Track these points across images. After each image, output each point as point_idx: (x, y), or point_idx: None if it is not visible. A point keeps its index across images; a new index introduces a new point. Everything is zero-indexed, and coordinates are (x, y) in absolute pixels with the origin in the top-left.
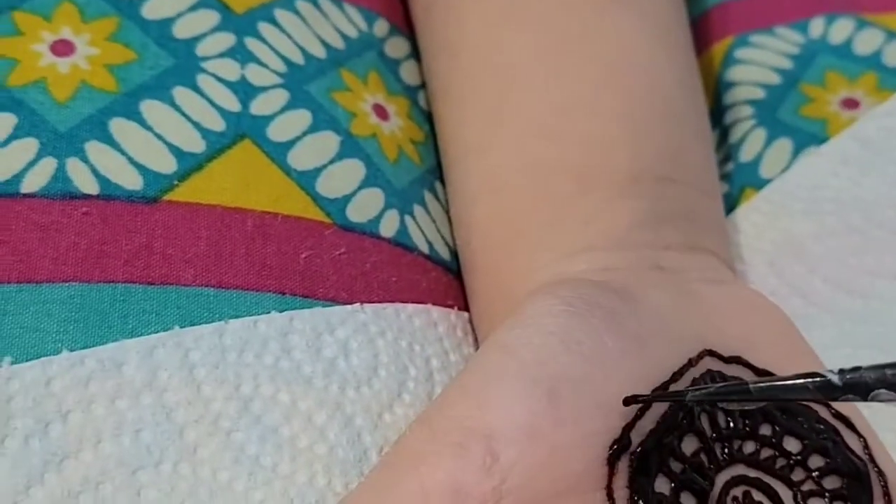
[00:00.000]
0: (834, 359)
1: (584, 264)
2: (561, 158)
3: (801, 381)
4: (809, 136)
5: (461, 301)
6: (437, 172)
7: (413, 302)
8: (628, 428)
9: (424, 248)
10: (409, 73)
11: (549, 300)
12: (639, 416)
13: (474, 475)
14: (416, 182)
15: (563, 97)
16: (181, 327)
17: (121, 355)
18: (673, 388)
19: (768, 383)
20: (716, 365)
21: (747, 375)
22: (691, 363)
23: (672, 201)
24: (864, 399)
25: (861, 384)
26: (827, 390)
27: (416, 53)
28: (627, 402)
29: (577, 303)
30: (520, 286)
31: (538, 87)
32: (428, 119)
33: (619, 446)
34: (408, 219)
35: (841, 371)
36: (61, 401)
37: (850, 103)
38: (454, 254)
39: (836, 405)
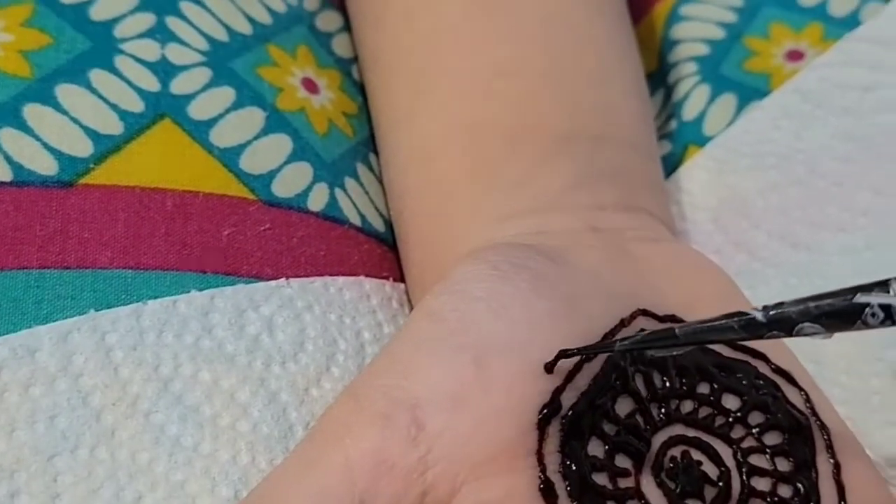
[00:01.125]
0: None
1: (515, 228)
2: (490, 121)
3: (726, 321)
4: (753, 91)
5: (397, 272)
6: (370, 144)
7: (344, 275)
8: (559, 391)
9: (356, 221)
10: (341, 45)
11: (476, 265)
12: (569, 378)
13: (399, 446)
14: (347, 154)
15: (491, 58)
16: (97, 311)
17: (34, 342)
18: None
19: (694, 326)
20: (650, 324)
21: None
22: (623, 323)
23: (606, 160)
24: (790, 334)
25: (785, 319)
26: (752, 328)
27: (349, 26)
28: (549, 367)
29: (504, 266)
30: (452, 253)
31: (465, 50)
32: (362, 91)
33: (549, 410)
34: (338, 191)
35: (765, 308)
36: None
37: (795, 55)
38: (389, 224)
39: (777, 360)
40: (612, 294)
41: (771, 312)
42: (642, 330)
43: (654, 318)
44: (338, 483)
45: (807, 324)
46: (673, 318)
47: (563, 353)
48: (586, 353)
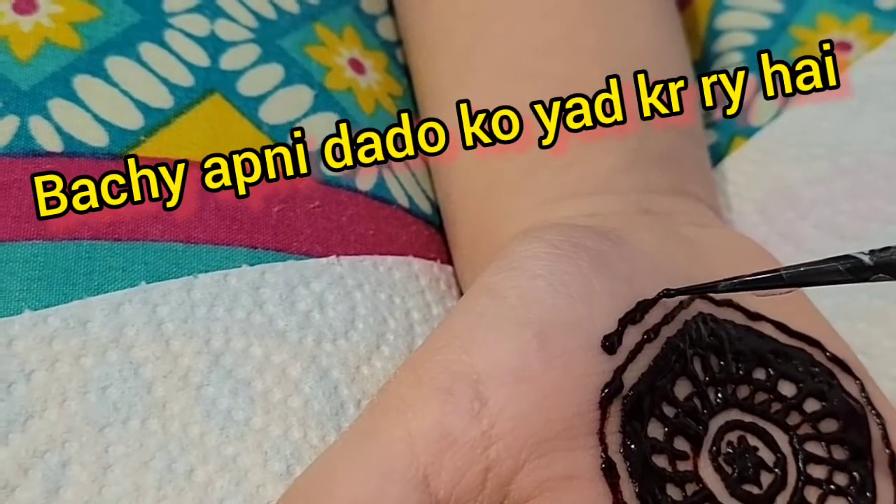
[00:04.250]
0: (828, 304)
1: (569, 210)
2: (536, 100)
3: (833, 263)
4: None
5: (444, 255)
6: None
7: (393, 255)
8: (620, 370)
9: (404, 202)
10: (386, 28)
11: (534, 243)
12: (630, 358)
13: (462, 421)
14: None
15: (538, 37)
16: (148, 283)
17: (85, 313)
18: (664, 330)
19: (800, 269)
20: (707, 307)
21: (739, 318)
22: (682, 305)
23: (655, 144)
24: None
25: (893, 263)
26: (859, 271)
27: (393, 10)
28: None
29: (563, 245)
30: (502, 233)
31: (511, 29)
32: (406, 74)
33: (611, 389)
34: (386, 172)
35: (871, 252)
36: (24, 361)
37: (842, 46)
38: (436, 208)
39: (831, 348)
40: (669, 276)
41: (879, 255)
42: (700, 313)
43: (711, 301)
44: (400, 456)
45: None
46: (729, 303)
47: (666, 293)
48: (689, 293)
